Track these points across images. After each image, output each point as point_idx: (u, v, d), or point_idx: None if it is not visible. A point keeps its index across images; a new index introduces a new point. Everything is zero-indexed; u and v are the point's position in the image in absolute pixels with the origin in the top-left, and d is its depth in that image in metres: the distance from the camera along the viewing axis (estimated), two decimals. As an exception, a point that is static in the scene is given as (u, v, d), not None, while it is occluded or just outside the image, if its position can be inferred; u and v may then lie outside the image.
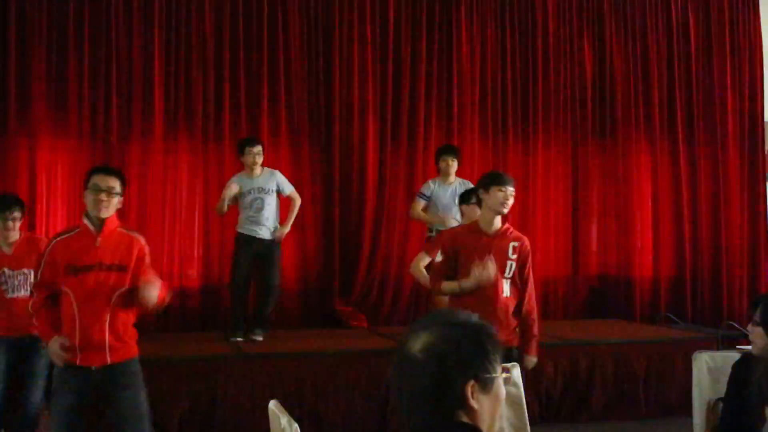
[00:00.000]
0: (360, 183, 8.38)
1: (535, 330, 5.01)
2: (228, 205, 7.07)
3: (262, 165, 7.18)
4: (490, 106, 8.88)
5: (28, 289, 5.34)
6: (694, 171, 9.35)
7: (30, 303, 4.25)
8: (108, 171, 4.27)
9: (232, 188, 7.06)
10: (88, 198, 4.17)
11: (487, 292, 4.81)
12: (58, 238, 4.22)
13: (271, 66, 8.27)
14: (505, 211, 4.86)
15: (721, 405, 4.44)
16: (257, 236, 7.08)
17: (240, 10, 8.21)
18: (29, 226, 7.48)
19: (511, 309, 4.92)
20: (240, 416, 6.09)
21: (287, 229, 7.19)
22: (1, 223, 5.50)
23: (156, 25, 7.94)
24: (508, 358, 4.93)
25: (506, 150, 8.91)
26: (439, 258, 4.98)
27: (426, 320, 1.93)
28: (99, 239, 4.15)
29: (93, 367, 4.15)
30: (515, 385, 3.88)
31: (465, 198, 6.03)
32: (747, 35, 9.56)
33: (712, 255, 9.30)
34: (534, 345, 4.99)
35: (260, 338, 7.04)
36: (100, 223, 4.17)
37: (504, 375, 1.91)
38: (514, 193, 4.86)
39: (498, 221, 4.89)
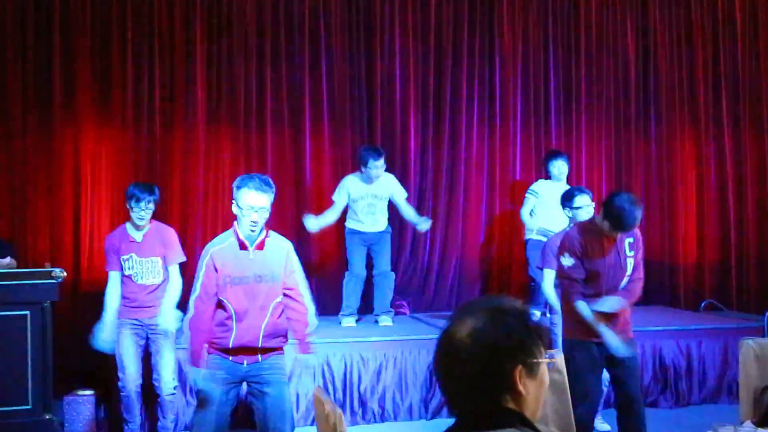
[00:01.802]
0: (402, 170, 8.32)
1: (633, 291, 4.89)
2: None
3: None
4: (532, 93, 8.82)
5: (156, 276, 5.64)
6: (739, 156, 9.21)
7: (188, 318, 4.28)
8: (260, 188, 4.19)
9: (340, 200, 7.33)
10: (239, 215, 4.20)
11: (614, 293, 4.83)
12: (214, 249, 4.26)
13: (312, 54, 8.27)
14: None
15: (768, 393, 4.40)
16: (367, 230, 7.37)
17: (281, -1, 8.24)
18: (74, 216, 7.60)
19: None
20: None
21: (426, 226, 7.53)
22: (135, 213, 5.60)
23: (198, 14, 7.96)
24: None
25: (548, 136, 8.85)
26: (569, 262, 4.82)
27: (471, 306, 1.92)
28: (252, 252, 4.22)
29: (245, 363, 4.27)
30: (559, 371, 3.87)
31: (568, 200, 5.89)
32: (794, 19, 9.39)
33: (758, 241, 9.17)
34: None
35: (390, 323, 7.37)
36: (252, 237, 4.24)
37: (549, 360, 1.91)
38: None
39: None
